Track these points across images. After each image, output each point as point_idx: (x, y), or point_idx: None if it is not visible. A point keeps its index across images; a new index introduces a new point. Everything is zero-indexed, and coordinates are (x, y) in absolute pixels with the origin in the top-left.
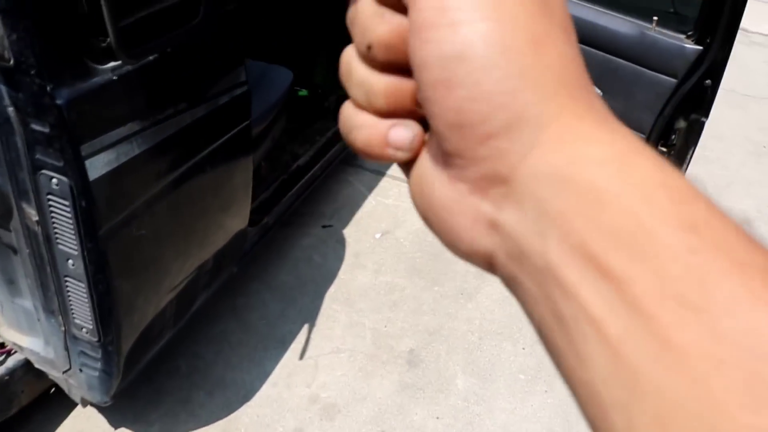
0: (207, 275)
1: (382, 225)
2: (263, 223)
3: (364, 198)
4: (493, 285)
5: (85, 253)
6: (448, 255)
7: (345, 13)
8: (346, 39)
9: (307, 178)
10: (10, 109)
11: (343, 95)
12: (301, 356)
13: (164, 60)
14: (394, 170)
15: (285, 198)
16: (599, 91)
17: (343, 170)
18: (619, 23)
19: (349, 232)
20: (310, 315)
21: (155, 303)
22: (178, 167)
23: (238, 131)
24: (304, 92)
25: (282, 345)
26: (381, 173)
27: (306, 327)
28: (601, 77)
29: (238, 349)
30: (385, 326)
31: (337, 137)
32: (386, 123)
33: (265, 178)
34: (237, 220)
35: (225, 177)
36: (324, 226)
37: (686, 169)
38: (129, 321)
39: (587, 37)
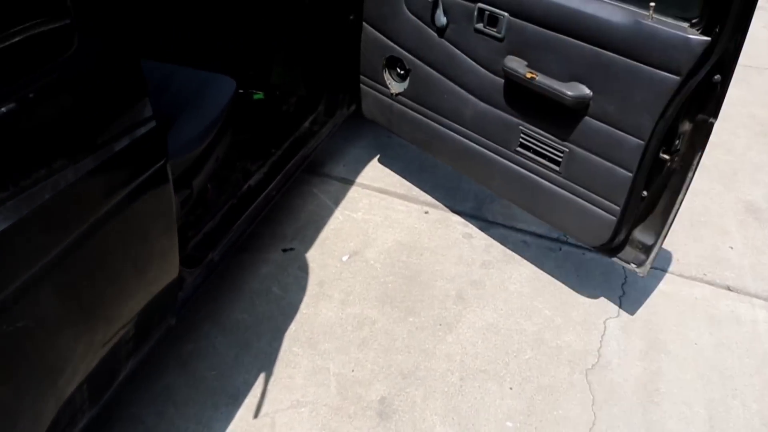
0: (129, 343)
1: (350, 245)
2: (208, 260)
3: (330, 213)
4: (476, 311)
5: None
6: (425, 277)
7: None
8: (305, 35)
9: (260, 201)
10: None
11: (303, 96)
12: (256, 414)
13: (25, 108)
14: (364, 178)
15: (235, 226)
16: (588, 92)
17: (306, 181)
18: (609, 11)
19: (313, 255)
20: (267, 361)
21: (55, 397)
22: (63, 238)
23: (149, 176)
24: (259, 95)
25: (234, 401)
26: (349, 182)
27: (262, 376)
28: (591, 75)
29: (183, 409)
30: (353, 370)
31: (297, 146)
32: None
33: (211, 205)
34: (162, 273)
35: (136, 232)
36: (284, 250)
37: (693, 176)
38: (17, 427)
39: (573, 27)
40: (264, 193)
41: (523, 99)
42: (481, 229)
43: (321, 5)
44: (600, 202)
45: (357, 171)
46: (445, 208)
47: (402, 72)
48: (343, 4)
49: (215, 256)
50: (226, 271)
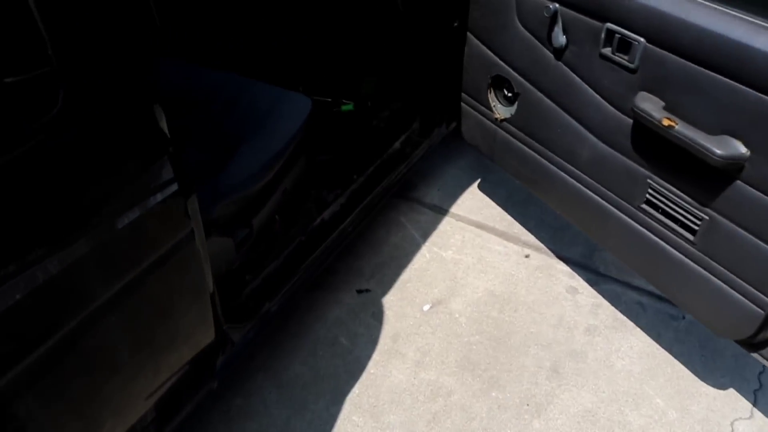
0: (151, 427)
1: (434, 291)
2: (263, 312)
3: (416, 248)
4: (572, 391)
5: None
6: (516, 341)
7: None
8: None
9: (333, 239)
10: None
11: (396, 110)
12: None
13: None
14: (459, 208)
15: (300, 269)
16: (744, 150)
17: (394, 206)
18: None
19: (390, 300)
20: (321, 430)
21: None
22: (59, 328)
23: (170, 249)
24: (349, 106)
25: None
26: (442, 211)
27: None
28: (750, 129)
29: None
30: None
31: (383, 172)
32: None
33: (276, 242)
34: (193, 343)
35: (155, 312)
36: (359, 291)
37: None
38: None
39: (732, 65)
40: (338, 230)
41: (655, 147)
42: (590, 282)
43: (420, 8)
44: (745, 289)
45: (453, 198)
46: (549, 252)
47: (509, 95)
48: (445, 9)
49: (272, 306)
50: (295, 309)
